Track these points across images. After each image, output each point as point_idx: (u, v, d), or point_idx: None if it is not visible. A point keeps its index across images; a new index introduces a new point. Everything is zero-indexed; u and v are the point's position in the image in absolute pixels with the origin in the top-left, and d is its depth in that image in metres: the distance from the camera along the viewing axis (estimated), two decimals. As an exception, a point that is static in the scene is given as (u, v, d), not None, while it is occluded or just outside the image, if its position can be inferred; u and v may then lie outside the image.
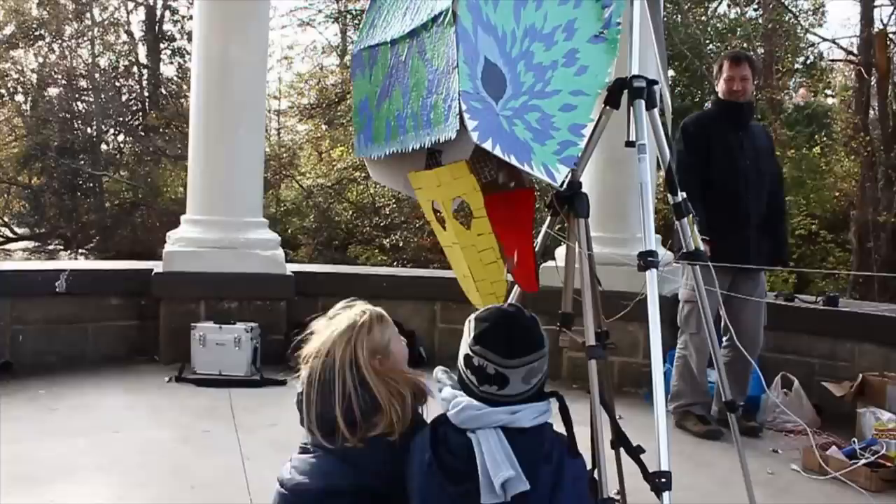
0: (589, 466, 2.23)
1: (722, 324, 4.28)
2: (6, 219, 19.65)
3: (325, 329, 2.25)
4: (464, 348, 2.06)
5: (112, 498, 3.16)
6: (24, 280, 5.37)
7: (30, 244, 19.58)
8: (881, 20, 13.24)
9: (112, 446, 3.72)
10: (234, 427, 4.09)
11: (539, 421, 2.02)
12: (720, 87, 4.36)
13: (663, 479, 2.03)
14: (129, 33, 19.26)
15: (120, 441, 3.81)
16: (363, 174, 13.06)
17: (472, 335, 2.04)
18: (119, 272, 5.89)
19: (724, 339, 4.14)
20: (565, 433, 2.08)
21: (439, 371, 2.18)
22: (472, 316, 2.10)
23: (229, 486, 3.28)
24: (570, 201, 2.45)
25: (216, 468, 3.50)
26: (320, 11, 17.60)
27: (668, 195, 2.68)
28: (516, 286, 2.56)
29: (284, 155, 17.49)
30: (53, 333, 5.27)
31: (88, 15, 18.44)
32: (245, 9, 5.55)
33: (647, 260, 2.25)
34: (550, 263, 2.82)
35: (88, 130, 18.60)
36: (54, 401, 4.41)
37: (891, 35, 13.27)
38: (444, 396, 2.06)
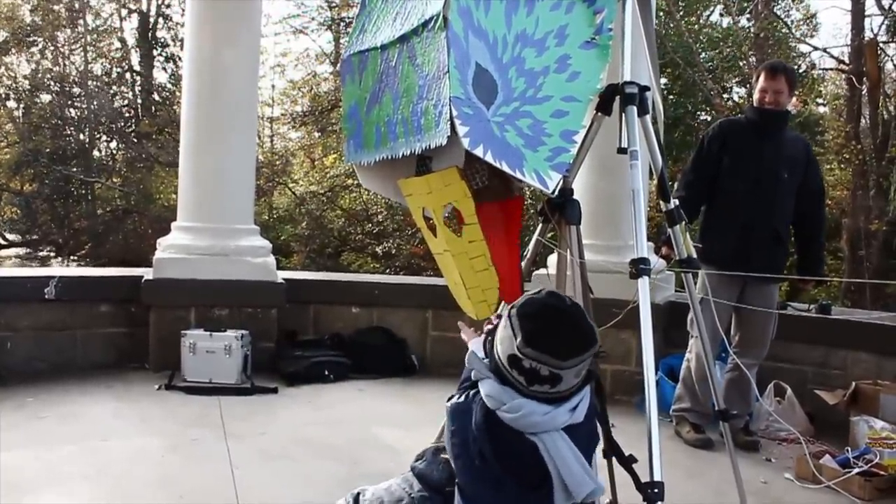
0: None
1: (732, 333, 4.30)
2: (-3, 225, 19.61)
3: None
4: (508, 347, 1.93)
5: (99, 507, 3.13)
6: (14, 286, 5.31)
7: (21, 251, 19.51)
8: (871, 29, 13.33)
9: (100, 455, 3.68)
10: (223, 435, 4.05)
11: (587, 406, 2.01)
12: (755, 96, 4.34)
13: (656, 490, 2.02)
14: (123, 40, 19.24)
15: (108, 449, 3.77)
16: (356, 181, 13.03)
17: (520, 336, 1.90)
18: (109, 279, 5.84)
19: (731, 351, 4.14)
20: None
21: (474, 357, 2.09)
22: (513, 311, 1.97)
23: (218, 496, 3.24)
24: (562, 208, 2.44)
25: (205, 477, 3.46)
26: (313, 19, 17.68)
27: (661, 202, 2.67)
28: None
29: (277, 162, 17.48)
30: (43, 340, 5.22)
31: (82, 21, 18.41)
32: (236, 13, 5.53)
33: (639, 268, 2.24)
34: (542, 271, 2.80)
35: (81, 137, 18.55)
36: (43, 408, 4.37)
37: (881, 44, 13.35)
38: (490, 394, 1.96)
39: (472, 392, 2.05)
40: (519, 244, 2.48)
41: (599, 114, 2.44)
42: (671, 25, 13.60)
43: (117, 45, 19.16)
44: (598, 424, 2.15)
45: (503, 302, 2.52)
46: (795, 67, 14.49)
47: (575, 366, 1.91)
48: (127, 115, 18.87)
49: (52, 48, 18.16)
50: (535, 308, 1.97)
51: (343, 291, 6.14)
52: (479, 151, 1.98)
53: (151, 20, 18.94)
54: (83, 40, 18.47)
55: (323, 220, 15.92)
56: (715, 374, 2.99)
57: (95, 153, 19.00)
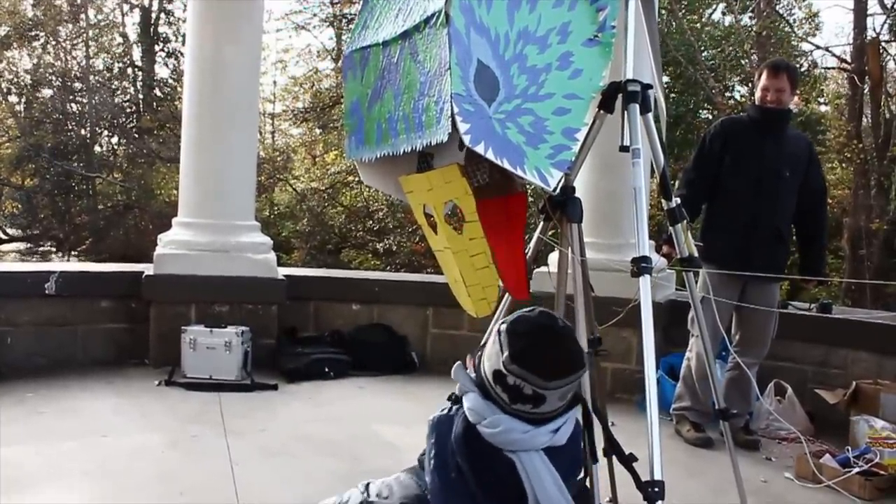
0: (581, 475, 2.21)
1: (732, 332, 4.30)
2: (-2, 220, 19.61)
3: None
4: (494, 362, 1.93)
5: (98, 503, 3.12)
6: (14, 281, 5.31)
7: (22, 245, 19.51)
8: (874, 29, 13.30)
9: (100, 450, 3.68)
10: (223, 432, 4.05)
11: (572, 430, 1.98)
12: (757, 95, 4.33)
13: (656, 489, 2.01)
14: (124, 35, 19.23)
15: (108, 445, 3.77)
16: (356, 178, 13.03)
17: (507, 352, 1.90)
18: (109, 274, 5.84)
19: (731, 350, 4.14)
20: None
21: (459, 369, 2.09)
22: (503, 327, 1.97)
23: (217, 492, 3.24)
24: (564, 206, 2.44)
25: (204, 473, 3.46)
26: (315, 15, 17.62)
27: (663, 200, 2.66)
28: (508, 294, 2.53)
29: (278, 158, 17.46)
30: (43, 336, 5.21)
31: (83, 16, 18.38)
32: (238, 10, 5.52)
33: (640, 266, 2.23)
34: (543, 269, 2.79)
35: (82, 132, 18.52)
36: (42, 404, 4.37)
37: (883, 43, 13.32)
38: (473, 407, 1.96)
39: (455, 406, 2.04)
40: (524, 240, 2.47)
41: (602, 111, 2.43)
42: (673, 24, 13.57)
43: (119, 40, 19.16)
44: (583, 450, 2.11)
45: (510, 296, 2.52)
46: (797, 66, 14.49)
47: (559, 388, 1.90)
48: (128, 110, 18.86)
49: (53, 43, 18.14)
50: (526, 326, 1.97)
51: (343, 288, 6.14)
52: (480, 149, 1.97)
53: (153, 15, 18.93)
54: (85, 35, 18.45)
55: (324, 216, 15.91)
56: (715, 372, 2.98)
57: (97, 148, 18.99)
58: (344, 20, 16.75)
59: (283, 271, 5.88)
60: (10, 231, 20.03)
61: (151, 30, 18.82)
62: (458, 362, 2.12)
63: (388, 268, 13.73)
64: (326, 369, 5.33)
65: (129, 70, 19.13)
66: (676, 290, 5.50)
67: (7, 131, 18.68)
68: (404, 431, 4.13)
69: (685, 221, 2.68)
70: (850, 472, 3.60)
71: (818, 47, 14.87)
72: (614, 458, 2.36)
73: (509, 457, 1.89)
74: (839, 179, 13.97)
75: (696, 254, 2.70)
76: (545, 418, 1.92)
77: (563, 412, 1.96)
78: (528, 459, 1.88)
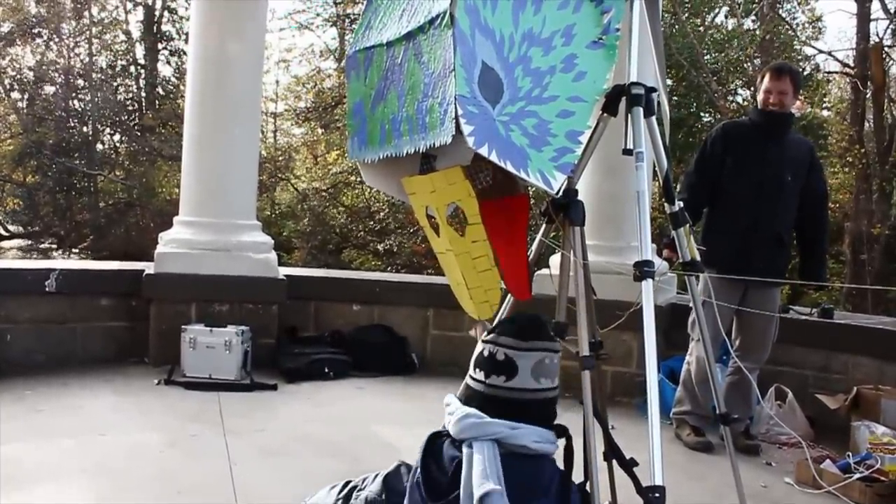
0: (581, 479, 2.20)
1: (733, 337, 4.29)
2: (-1, 216, 19.60)
3: None
4: (476, 349, 2.10)
5: (96, 502, 3.10)
6: (14, 278, 5.30)
7: (23, 242, 19.48)
8: (877, 34, 13.32)
9: (98, 449, 3.67)
10: (222, 432, 4.04)
11: (542, 448, 1.97)
12: (759, 98, 4.32)
13: (657, 494, 2.00)
14: (128, 33, 19.20)
15: (106, 444, 3.76)
16: (358, 178, 13.04)
17: (486, 332, 2.08)
18: (110, 272, 5.83)
19: (732, 354, 4.13)
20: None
21: (450, 396, 2.17)
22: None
23: (216, 492, 3.23)
24: (566, 209, 2.42)
25: (203, 473, 3.45)
26: (318, 15, 17.66)
27: (665, 204, 2.65)
28: (510, 295, 2.52)
29: (280, 158, 17.46)
30: (42, 333, 5.21)
31: (87, 13, 18.37)
32: (242, 9, 5.52)
33: (642, 270, 2.22)
34: (545, 271, 2.77)
35: (84, 129, 18.50)
36: (41, 401, 4.36)
37: (886, 48, 13.33)
38: (450, 412, 2.04)
39: None
40: (526, 240, 2.47)
41: (605, 114, 2.42)
42: (676, 27, 13.57)
43: (122, 37, 19.12)
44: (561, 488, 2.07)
45: (512, 298, 2.51)
46: (800, 70, 14.47)
47: (531, 351, 1.97)
48: (130, 108, 18.83)
49: (56, 40, 18.12)
50: (509, 317, 2.20)
51: (344, 288, 6.14)
52: (483, 150, 1.96)
53: (157, 13, 18.92)
54: (88, 32, 18.42)
55: (325, 216, 15.91)
56: (716, 376, 2.97)
57: (99, 146, 18.95)
58: (347, 20, 16.77)
59: (283, 271, 5.87)
60: (11, 228, 20.01)
61: (154, 27, 18.80)
62: (448, 395, 2.19)
63: (389, 268, 13.73)
64: (326, 369, 5.33)
65: (132, 68, 19.10)
66: (677, 293, 5.49)
67: (9, 128, 18.65)
68: (404, 432, 4.12)
69: (688, 225, 2.67)
70: (850, 477, 3.60)
71: (821, 51, 14.91)
72: (614, 462, 2.36)
73: (464, 450, 1.90)
74: (841, 184, 13.96)
75: (698, 258, 2.69)
76: (518, 401, 1.93)
77: (536, 418, 1.96)
78: (479, 446, 1.91)
